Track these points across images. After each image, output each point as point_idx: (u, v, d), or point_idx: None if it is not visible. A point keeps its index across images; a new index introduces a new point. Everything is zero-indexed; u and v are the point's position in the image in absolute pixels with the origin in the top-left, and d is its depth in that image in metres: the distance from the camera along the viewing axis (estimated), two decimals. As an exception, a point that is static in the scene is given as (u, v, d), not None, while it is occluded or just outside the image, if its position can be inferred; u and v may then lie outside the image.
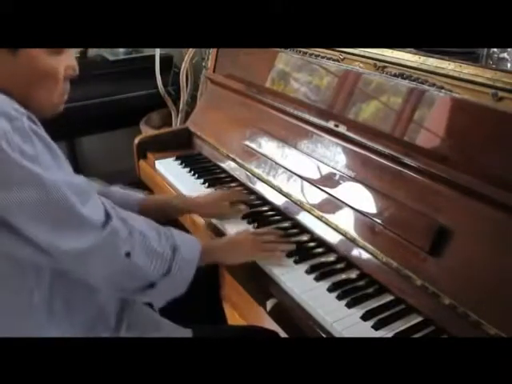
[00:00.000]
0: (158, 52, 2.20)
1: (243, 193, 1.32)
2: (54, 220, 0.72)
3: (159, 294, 0.85)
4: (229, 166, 1.46)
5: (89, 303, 0.86)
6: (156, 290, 0.83)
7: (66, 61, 0.80)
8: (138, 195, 1.14)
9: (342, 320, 0.88)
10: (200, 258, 0.90)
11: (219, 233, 1.19)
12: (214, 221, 1.22)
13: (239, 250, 1.02)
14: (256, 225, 1.17)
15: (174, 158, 1.58)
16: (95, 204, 0.78)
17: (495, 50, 1.27)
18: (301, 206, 1.17)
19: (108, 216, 0.78)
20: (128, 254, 0.78)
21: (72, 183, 0.75)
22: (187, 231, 1.35)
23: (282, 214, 1.23)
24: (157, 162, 1.55)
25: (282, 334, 1.03)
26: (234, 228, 1.16)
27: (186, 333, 0.94)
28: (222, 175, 1.46)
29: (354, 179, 1.08)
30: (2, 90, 0.74)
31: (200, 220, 1.26)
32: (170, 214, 1.18)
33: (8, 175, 0.69)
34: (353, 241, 1.02)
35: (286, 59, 1.42)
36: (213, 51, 1.76)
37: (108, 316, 0.89)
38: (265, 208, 1.27)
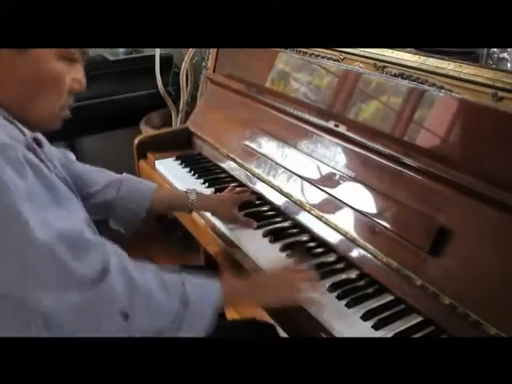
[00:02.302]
0: (157, 52, 2.20)
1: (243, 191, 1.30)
2: (38, 274, 0.65)
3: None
4: (229, 166, 1.46)
5: None
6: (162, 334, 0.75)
7: (75, 73, 0.77)
8: (152, 184, 1.14)
9: (342, 320, 0.88)
10: (218, 306, 0.79)
11: (219, 232, 1.20)
12: (213, 220, 1.22)
13: (273, 292, 0.89)
14: (256, 225, 1.17)
15: (174, 157, 1.58)
16: (91, 256, 0.69)
17: (495, 50, 1.27)
18: (301, 206, 1.17)
19: (105, 270, 0.69)
20: (126, 316, 0.70)
21: (64, 232, 0.67)
22: (188, 233, 1.36)
23: (282, 213, 1.23)
24: (157, 162, 1.55)
25: (282, 334, 1.03)
26: (233, 227, 1.16)
27: None
28: (222, 175, 1.46)
29: (354, 179, 1.08)
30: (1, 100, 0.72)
31: (200, 220, 1.26)
32: (180, 208, 1.19)
33: None
34: (353, 241, 1.02)
35: (286, 59, 1.42)
36: (213, 51, 1.76)
37: None
38: (265, 208, 1.27)
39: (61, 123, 0.81)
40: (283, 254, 1.06)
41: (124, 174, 1.13)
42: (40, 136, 0.85)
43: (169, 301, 0.75)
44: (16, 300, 0.68)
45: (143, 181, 1.16)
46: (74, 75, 0.77)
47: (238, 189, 1.30)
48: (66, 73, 0.76)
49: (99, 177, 1.10)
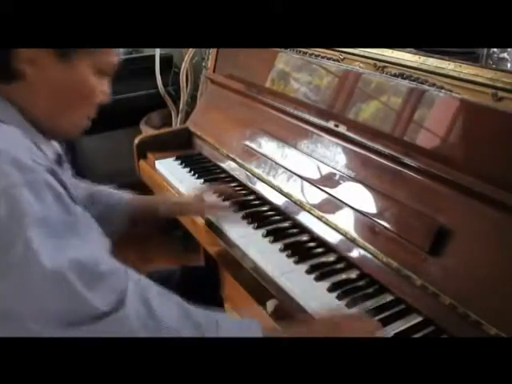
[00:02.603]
0: (157, 52, 2.20)
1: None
2: (50, 306, 0.61)
3: None
4: (229, 166, 1.46)
5: None
6: None
7: (103, 86, 0.80)
8: (125, 194, 1.13)
9: (342, 320, 0.88)
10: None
11: (219, 232, 1.20)
12: (213, 220, 1.22)
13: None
14: (256, 225, 1.17)
15: (174, 157, 1.58)
16: (106, 286, 0.64)
17: (495, 50, 1.27)
18: (301, 206, 1.17)
19: (121, 302, 0.64)
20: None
21: (78, 261, 0.62)
22: (188, 233, 1.35)
23: (282, 213, 1.23)
24: (157, 162, 1.55)
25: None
26: (233, 227, 1.16)
27: None
28: (222, 175, 1.46)
29: (354, 179, 1.08)
30: (26, 108, 0.72)
31: (200, 220, 1.26)
32: (156, 216, 1.17)
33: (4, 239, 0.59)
34: (353, 241, 1.02)
35: (286, 59, 1.42)
36: (213, 51, 1.76)
37: None
38: (265, 208, 1.27)
39: (80, 133, 0.82)
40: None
41: (97, 188, 1.11)
42: (62, 153, 0.85)
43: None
44: (18, 329, 0.64)
45: (118, 191, 1.13)
46: (103, 88, 0.80)
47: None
48: (99, 86, 0.79)
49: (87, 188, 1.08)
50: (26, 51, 0.70)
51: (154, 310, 0.66)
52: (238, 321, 0.75)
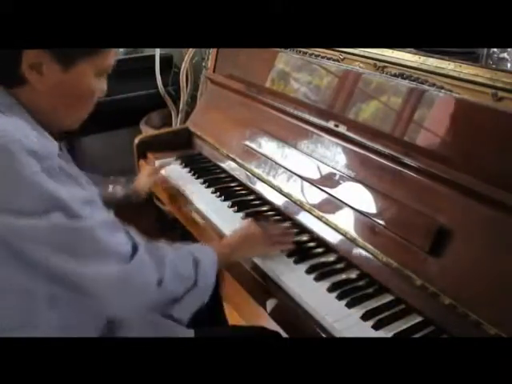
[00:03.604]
0: (157, 52, 2.20)
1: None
2: (80, 249, 0.73)
3: (185, 307, 0.86)
4: (229, 166, 1.46)
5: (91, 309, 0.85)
6: (182, 303, 0.84)
7: (103, 84, 0.85)
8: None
9: (342, 320, 0.88)
10: (218, 264, 0.92)
11: (219, 232, 1.19)
12: (213, 220, 1.22)
13: (251, 246, 1.03)
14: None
15: (174, 157, 1.58)
16: (123, 237, 0.79)
17: (495, 50, 1.27)
18: (301, 206, 1.17)
19: (135, 248, 0.79)
20: (160, 282, 0.79)
21: (102, 217, 0.77)
22: (188, 232, 1.36)
23: (282, 213, 1.23)
24: (157, 162, 1.55)
25: (283, 334, 1.03)
26: (231, 226, 1.16)
27: (188, 333, 0.94)
28: (222, 175, 1.46)
29: (354, 179, 1.08)
30: (30, 109, 0.77)
31: (200, 220, 1.26)
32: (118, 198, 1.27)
33: (36, 202, 0.69)
34: (353, 241, 1.02)
35: (286, 59, 1.42)
36: (213, 51, 1.76)
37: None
38: (265, 208, 1.27)
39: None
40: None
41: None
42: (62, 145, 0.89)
43: (186, 265, 0.86)
44: (57, 277, 0.74)
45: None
46: (102, 87, 0.85)
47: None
48: (99, 86, 0.83)
49: None
50: (30, 58, 0.73)
51: (155, 251, 0.82)
52: (196, 245, 0.97)
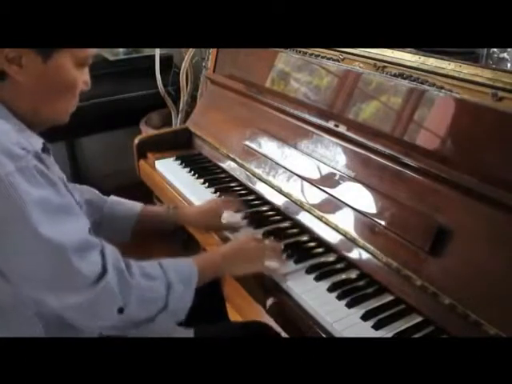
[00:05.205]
0: (157, 52, 2.20)
1: (237, 201, 1.23)
2: (48, 276, 0.71)
3: (160, 324, 0.83)
4: (229, 166, 1.46)
5: None
6: (156, 321, 0.82)
7: (84, 75, 0.83)
8: (135, 206, 1.13)
9: (342, 320, 0.88)
10: (197, 282, 0.87)
11: (219, 233, 1.19)
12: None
13: (244, 262, 0.97)
14: (255, 225, 1.17)
15: (174, 157, 1.58)
16: (94, 258, 0.75)
17: (495, 50, 1.27)
18: (301, 206, 1.17)
19: (104, 270, 0.75)
20: (121, 310, 0.76)
21: (74, 236, 0.73)
22: (187, 231, 1.36)
23: (281, 213, 1.23)
24: (157, 162, 1.55)
25: (282, 334, 1.03)
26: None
27: (188, 333, 0.94)
28: (222, 175, 1.46)
29: (354, 179, 1.08)
30: (12, 104, 0.75)
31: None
32: (162, 228, 1.18)
33: (5, 221, 0.68)
34: (353, 241, 1.02)
35: (286, 59, 1.42)
36: (213, 51, 1.76)
37: None
38: (265, 208, 1.27)
39: (68, 118, 0.85)
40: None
41: (111, 196, 1.13)
42: (47, 144, 0.87)
43: (156, 289, 0.81)
44: (19, 300, 0.73)
45: (127, 202, 1.14)
46: (84, 77, 0.83)
47: (223, 198, 1.27)
48: (80, 77, 0.82)
49: (82, 194, 1.08)
50: (8, 51, 0.72)
51: (124, 274, 0.77)
52: (176, 260, 0.88)
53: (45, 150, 0.81)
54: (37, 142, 0.79)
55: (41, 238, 0.69)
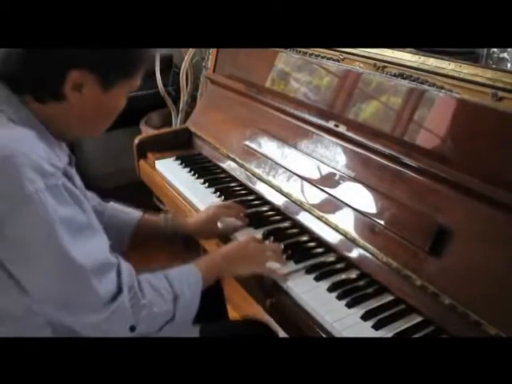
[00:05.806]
0: (157, 52, 2.20)
1: (239, 207, 1.21)
2: (64, 293, 0.73)
3: (166, 333, 0.84)
4: (229, 166, 1.46)
5: None
6: (162, 332, 0.83)
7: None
8: (134, 215, 1.12)
9: (342, 320, 0.88)
10: (202, 286, 0.89)
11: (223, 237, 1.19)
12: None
13: (244, 263, 0.98)
14: (256, 225, 1.17)
15: (174, 157, 1.58)
16: (110, 279, 0.76)
17: (495, 50, 1.27)
18: (301, 206, 1.17)
19: (119, 290, 0.76)
20: (133, 328, 0.78)
21: (98, 256, 0.75)
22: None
23: (281, 213, 1.23)
24: (157, 162, 1.55)
25: (282, 334, 1.03)
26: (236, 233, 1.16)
27: (194, 331, 0.95)
28: (222, 175, 1.46)
29: (354, 179, 1.08)
30: (53, 123, 0.77)
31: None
32: (159, 237, 1.17)
33: (31, 237, 0.69)
34: (353, 241, 1.02)
35: (286, 59, 1.42)
36: (213, 51, 1.76)
37: None
38: (265, 208, 1.27)
39: None
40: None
41: (110, 202, 1.12)
42: (71, 154, 0.89)
43: (164, 304, 0.82)
44: (32, 311, 0.75)
45: (127, 210, 1.13)
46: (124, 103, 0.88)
47: (219, 204, 1.24)
48: (124, 102, 0.86)
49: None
50: (75, 77, 0.74)
51: (137, 293, 0.78)
52: (180, 269, 0.89)
53: (71, 162, 0.83)
54: (64, 156, 0.81)
55: (65, 256, 0.70)
